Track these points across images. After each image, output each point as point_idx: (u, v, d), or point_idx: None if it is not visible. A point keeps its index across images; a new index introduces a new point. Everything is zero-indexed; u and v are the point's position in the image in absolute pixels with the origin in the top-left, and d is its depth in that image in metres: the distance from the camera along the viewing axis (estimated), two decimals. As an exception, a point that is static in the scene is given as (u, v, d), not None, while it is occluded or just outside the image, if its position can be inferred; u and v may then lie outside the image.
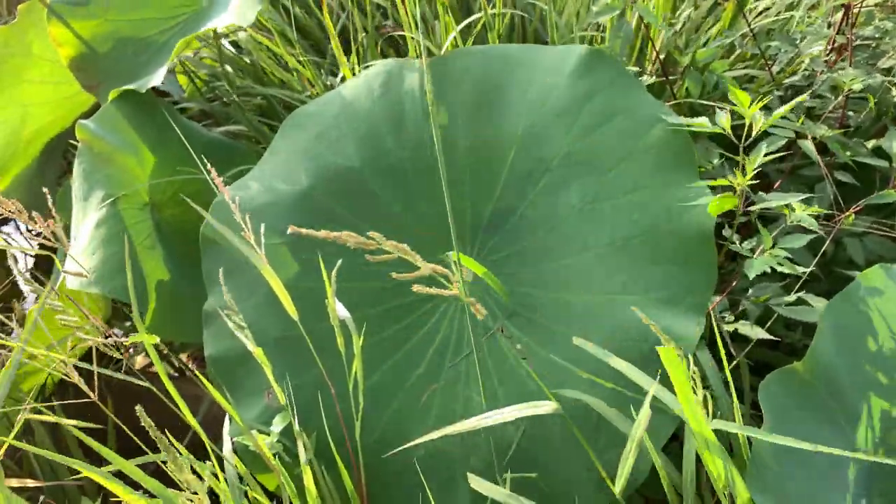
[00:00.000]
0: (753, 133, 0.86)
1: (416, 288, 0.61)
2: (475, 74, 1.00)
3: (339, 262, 0.84)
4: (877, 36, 1.18)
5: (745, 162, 0.85)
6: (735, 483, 0.68)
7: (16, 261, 1.59)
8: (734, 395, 0.83)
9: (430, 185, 1.01)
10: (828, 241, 1.03)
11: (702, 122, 0.87)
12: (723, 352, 0.80)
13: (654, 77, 1.16)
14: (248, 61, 1.54)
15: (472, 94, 1.00)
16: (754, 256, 0.85)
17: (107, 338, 0.92)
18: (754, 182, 0.91)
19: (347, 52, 1.57)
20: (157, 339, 0.81)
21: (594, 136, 0.94)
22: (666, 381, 0.79)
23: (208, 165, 0.80)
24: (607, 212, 0.92)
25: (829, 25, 1.19)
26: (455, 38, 1.22)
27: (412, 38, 1.23)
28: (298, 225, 1.01)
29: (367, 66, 1.10)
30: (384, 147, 1.02)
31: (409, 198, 1.01)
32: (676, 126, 0.90)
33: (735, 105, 0.86)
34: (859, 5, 1.10)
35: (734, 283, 0.98)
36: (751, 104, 0.86)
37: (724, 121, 0.86)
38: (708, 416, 0.74)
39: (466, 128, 1.00)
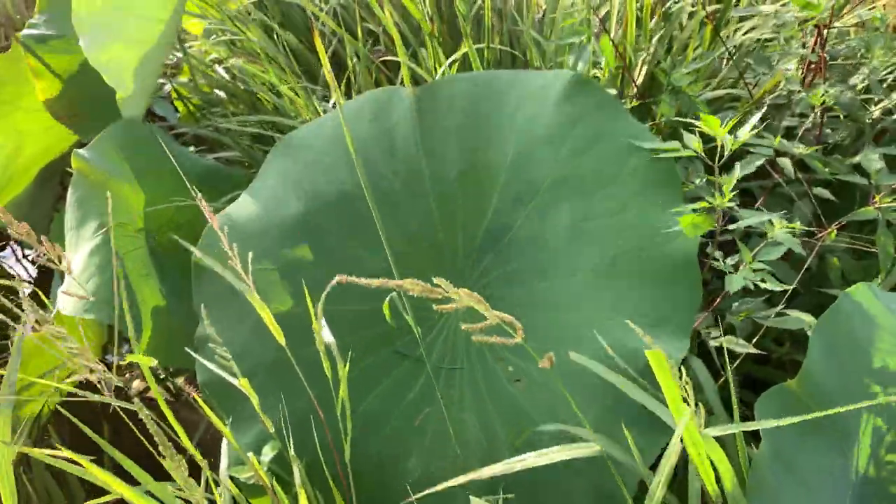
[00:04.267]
0: (726, 153, 0.88)
1: (476, 338, 0.62)
2: (464, 101, 1.03)
3: (328, 287, 0.85)
4: (851, 55, 1.22)
5: (721, 182, 0.87)
6: (731, 489, 0.70)
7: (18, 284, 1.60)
8: (735, 406, 0.84)
9: (423, 210, 1.03)
10: (811, 258, 1.06)
11: (674, 147, 0.89)
12: (720, 364, 0.81)
13: (633, 100, 1.20)
14: (242, 87, 1.56)
15: (462, 121, 1.03)
16: (735, 272, 0.87)
17: (102, 361, 0.93)
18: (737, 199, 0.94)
19: (340, 77, 1.60)
20: (154, 362, 0.82)
21: (581, 160, 0.97)
22: (658, 396, 0.80)
23: (199, 195, 0.82)
24: (595, 233, 0.94)
25: (804, 45, 1.23)
26: (445, 64, 1.25)
27: (403, 63, 1.26)
28: (291, 250, 1.04)
29: (358, 94, 1.12)
30: (376, 173, 1.04)
31: (402, 222, 1.03)
32: (654, 150, 0.93)
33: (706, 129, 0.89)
34: (828, 26, 1.14)
35: (719, 299, 1.00)
36: (725, 124, 0.88)
37: (695, 143, 0.89)
38: (701, 423, 0.76)
39: (456, 153, 1.03)
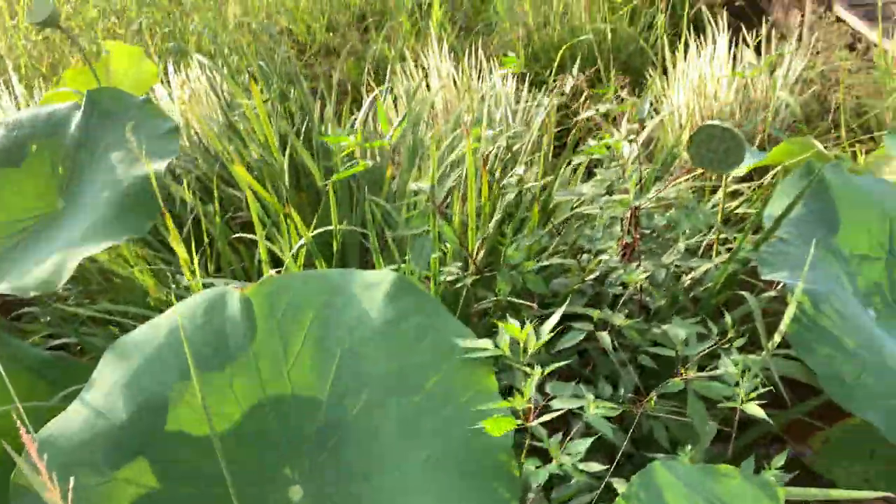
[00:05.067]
0: (530, 351, 0.96)
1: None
2: (296, 298, 1.08)
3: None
4: (656, 232, 1.37)
5: (531, 375, 0.94)
6: None
7: None
8: None
9: (255, 409, 1.03)
10: (633, 427, 1.13)
11: (486, 345, 0.97)
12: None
13: (473, 276, 1.28)
14: (94, 265, 1.55)
15: (293, 317, 1.07)
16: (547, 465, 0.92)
17: None
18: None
19: (202, 245, 1.62)
20: None
21: (406, 357, 1.02)
22: None
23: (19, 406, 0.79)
24: (422, 428, 0.98)
25: (622, 221, 1.37)
26: (292, 251, 1.31)
27: (261, 242, 1.31)
28: (118, 460, 1.01)
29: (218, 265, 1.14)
30: (207, 374, 1.04)
31: (235, 422, 1.03)
32: (471, 349, 1.00)
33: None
34: (638, 209, 1.29)
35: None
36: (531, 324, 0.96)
37: (504, 345, 0.96)
38: None
39: (288, 349, 1.05)
